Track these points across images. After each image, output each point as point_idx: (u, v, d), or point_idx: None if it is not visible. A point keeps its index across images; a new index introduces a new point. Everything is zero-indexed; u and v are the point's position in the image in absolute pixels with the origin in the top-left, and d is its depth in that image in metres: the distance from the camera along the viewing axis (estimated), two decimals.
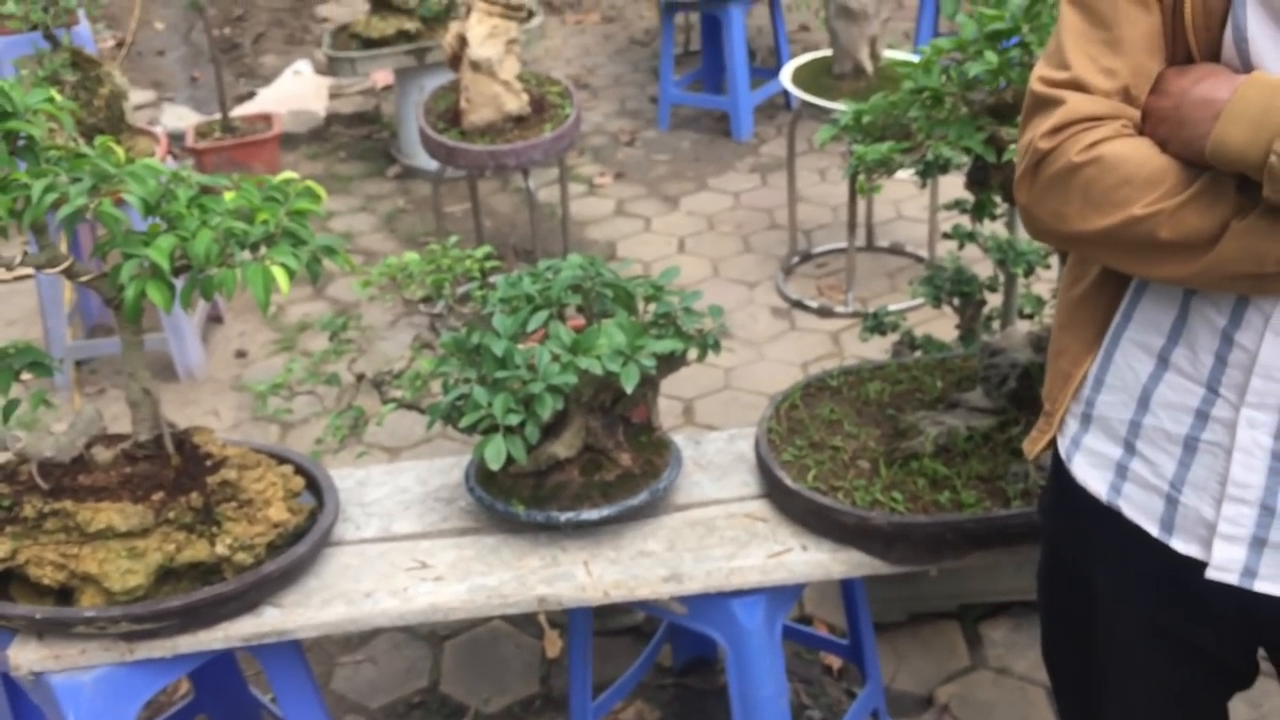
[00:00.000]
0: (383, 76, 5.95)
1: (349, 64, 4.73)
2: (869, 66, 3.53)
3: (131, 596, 1.80)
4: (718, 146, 5.03)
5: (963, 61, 1.70)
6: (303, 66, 6.10)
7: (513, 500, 1.96)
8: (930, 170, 1.85)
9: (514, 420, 1.84)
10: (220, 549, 1.83)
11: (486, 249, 2.68)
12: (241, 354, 3.89)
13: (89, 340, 3.96)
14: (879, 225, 4.21)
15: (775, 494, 1.99)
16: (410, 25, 4.72)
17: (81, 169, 1.72)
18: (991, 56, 1.63)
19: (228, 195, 1.82)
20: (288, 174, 1.88)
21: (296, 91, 5.85)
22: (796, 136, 3.77)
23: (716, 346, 2.01)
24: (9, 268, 1.70)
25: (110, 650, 1.83)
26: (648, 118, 5.35)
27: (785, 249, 4.14)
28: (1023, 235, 2.52)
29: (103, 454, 1.89)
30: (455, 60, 3.61)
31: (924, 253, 4.00)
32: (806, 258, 4.12)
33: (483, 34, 3.44)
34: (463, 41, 3.53)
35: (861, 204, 3.97)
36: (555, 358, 1.87)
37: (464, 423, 1.89)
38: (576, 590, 1.89)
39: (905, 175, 1.92)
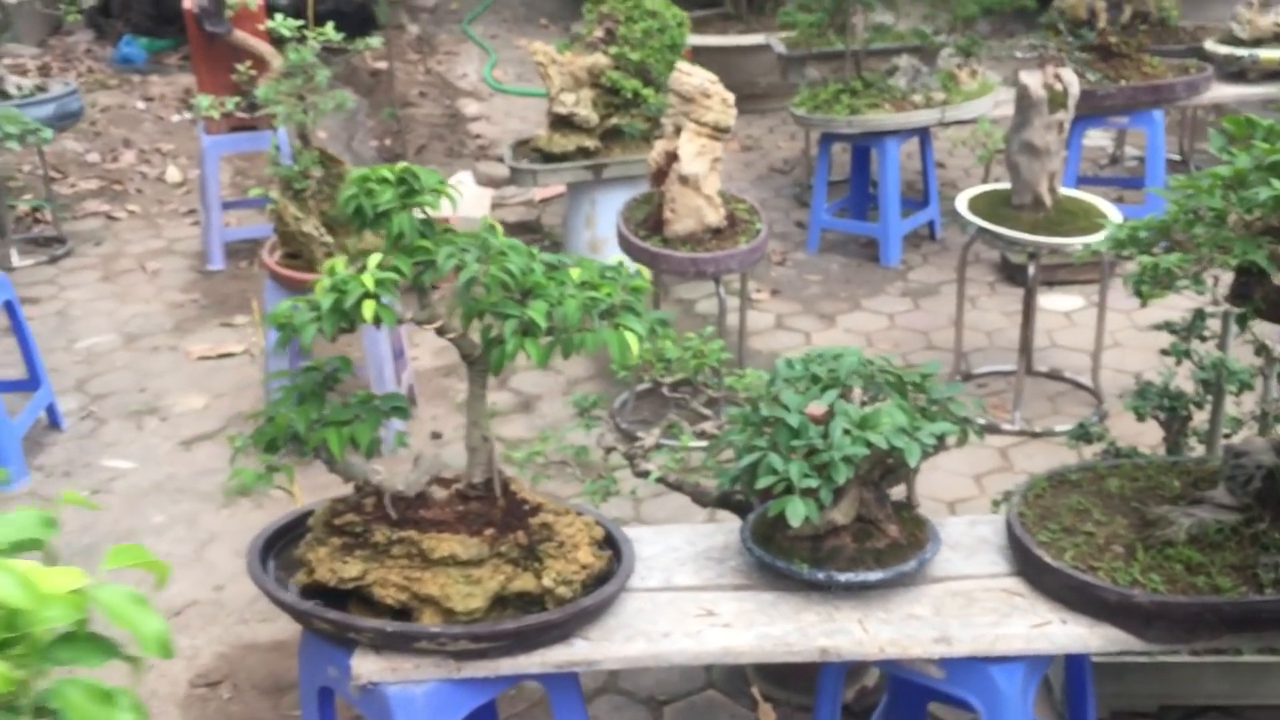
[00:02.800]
0: (541, 190, 6.33)
1: (530, 175, 5.10)
2: (1048, 199, 3.80)
3: (470, 618, 2.02)
4: (866, 270, 5.31)
5: (1239, 187, 1.95)
6: (464, 177, 6.50)
7: (794, 560, 2.17)
8: (1168, 284, 2.08)
9: (810, 484, 2.06)
10: (547, 581, 2.05)
11: (720, 342, 2.94)
12: (437, 435, 4.16)
13: None
14: (1036, 351, 4.42)
15: (1031, 571, 2.18)
16: (590, 143, 5.09)
17: (470, 243, 1.99)
18: (1276, 184, 1.87)
19: (573, 272, 2.09)
20: (617, 258, 2.15)
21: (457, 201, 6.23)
22: (943, 265, 4.00)
23: (980, 433, 2.23)
24: (406, 321, 1.98)
25: (440, 667, 2.05)
26: (795, 240, 5.65)
27: (946, 369, 4.36)
28: (1234, 354, 2.73)
29: (440, 492, 2.14)
30: (660, 175, 3.93)
31: (1084, 379, 4.20)
32: (967, 378, 4.33)
33: (693, 151, 3.76)
34: (670, 157, 3.85)
35: (1018, 329, 4.19)
36: (846, 431, 2.10)
37: (759, 484, 2.11)
38: (854, 644, 2.09)
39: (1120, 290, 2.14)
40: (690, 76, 3.77)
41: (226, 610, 3.34)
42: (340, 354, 2.51)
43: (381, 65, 8.88)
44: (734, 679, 2.93)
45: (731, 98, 3.80)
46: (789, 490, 2.07)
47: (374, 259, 1.94)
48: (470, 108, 8.14)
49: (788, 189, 6.35)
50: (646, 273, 2.11)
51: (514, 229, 5.97)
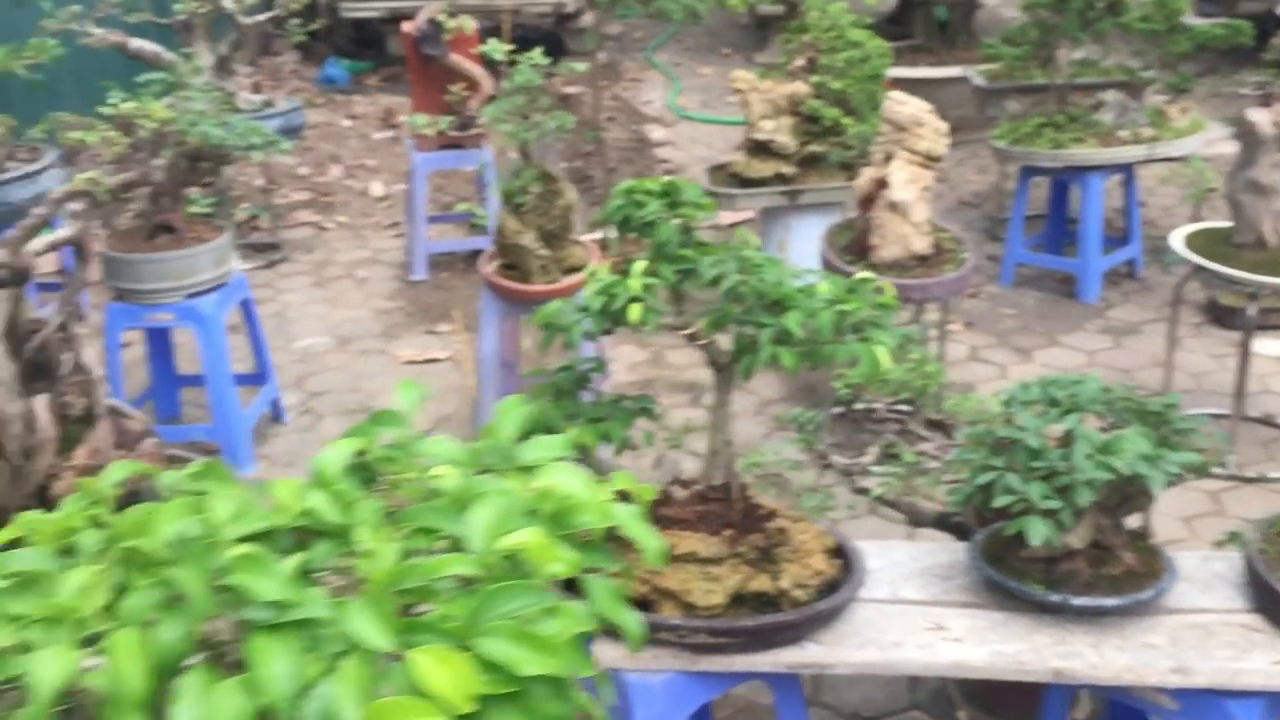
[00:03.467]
0: (729, 214, 6.42)
1: (729, 199, 5.19)
2: (1272, 239, 3.70)
3: (710, 614, 2.10)
4: (1063, 306, 5.23)
5: None
6: None
7: (1026, 581, 2.19)
8: None
9: (1051, 505, 2.08)
10: (784, 583, 2.12)
11: (939, 365, 2.97)
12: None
13: None
14: (1248, 396, 4.30)
15: (1272, 608, 2.15)
16: (787, 169, 5.16)
17: (728, 254, 2.08)
18: None
19: (821, 286, 2.16)
20: (864, 274, 2.21)
21: None
22: (1144, 303, 3.91)
23: (1225, 464, 2.21)
24: (666, 325, 2.08)
25: (677, 659, 2.13)
26: (988, 274, 5.60)
27: None
28: None
29: (680, 491, 2.23)
30: (867, 201, 3.97)
31: None
32: None
33: (903, 179, 3.79)
34: (879, 184, 3.89)
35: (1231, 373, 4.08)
36: (1088, 455, 2.11)
37: (996, 503, 2.14)
38: (1089, 668, 2.09)
39: None
40: (904, 105, 3.81)
41: None
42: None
43: (571, 90, 9.16)
44: (939, 701, 2.93)
45: (945, 127, 3.83)
46: (1026, 511, 2.09)
47: (638, 265, 2.05)
48: (656, 133, 8.32)
49: (978, 222, 6.30)
50: (891, 289, 2.16)
51: None
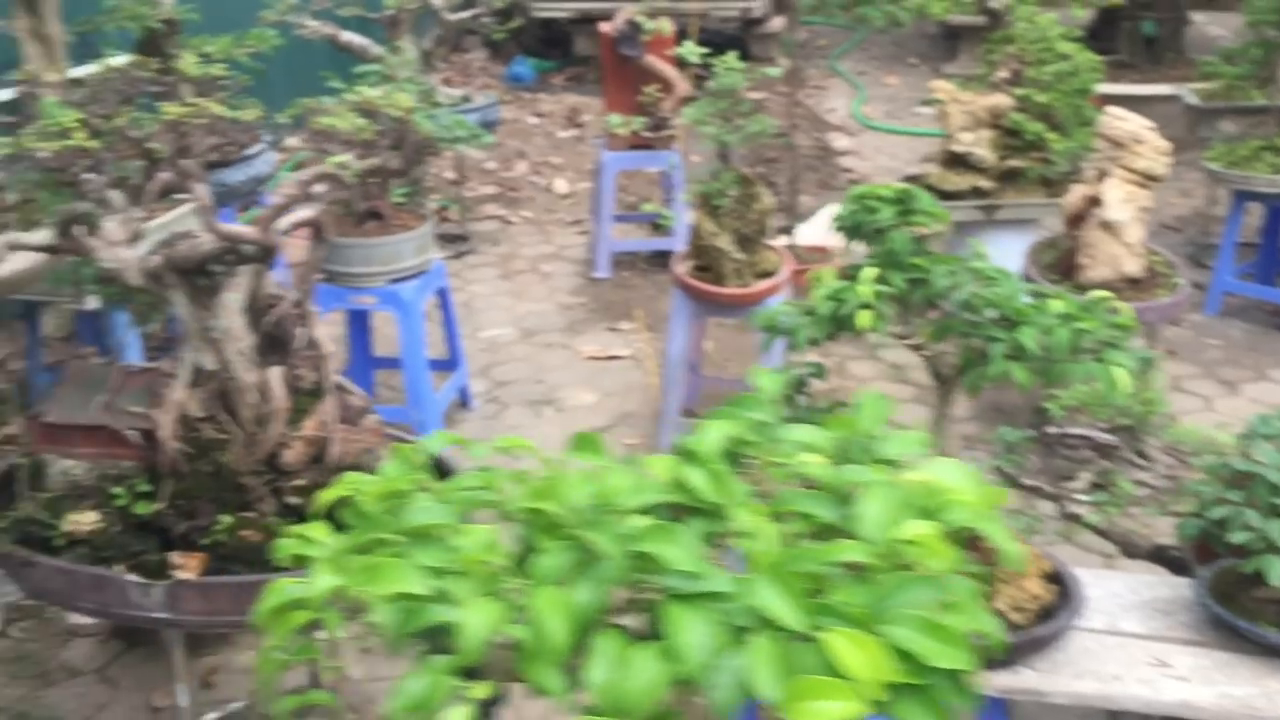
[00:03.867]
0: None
1: None
2: None
3: None
4: (1274, 339, 4.97)
5: None
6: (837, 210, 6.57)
7: (1259, 622, 2.08)
8: None
9: None
10: (1000, 605, 2.06)
11: (1158, 394, 2.84)
12: None
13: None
14: None
15: None
16: (984, 183, 5.03)
17: (959, 265, 2.04)
18: None
19: (1054, 303, 2.09)
20: (1100, 293, 2.14)
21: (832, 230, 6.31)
22: None
23: None
24: (892, 334, 2.05)
25: None
26: (1192, 302, 5.35)
27: None
28: None
29: None
30: (1076, 219, 3.84)
31: None
32: None
33: (1119, 198, 3.66)
34: (1090, 202, 3.76)
35: None
36: None
37: (1231, 539, 2.03)
38: None
39: None
40: (1123, 121, 3.68)
41: None
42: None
43: (755, 95, 9.16)
44: None
45: (1166, 146, 3.68)
46: (1266, 549, 1.99)
47: (868, 272, 2.02)
48: (839, 142, 8.23)
49: (1180, 247, 6.03)
50: (1129, 310, 2.08)
51: None
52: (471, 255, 6.27)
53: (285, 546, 0.98)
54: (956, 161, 5.10)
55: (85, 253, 2.38)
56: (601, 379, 4.88)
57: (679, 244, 5.98)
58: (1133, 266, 3.72)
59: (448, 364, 4.55)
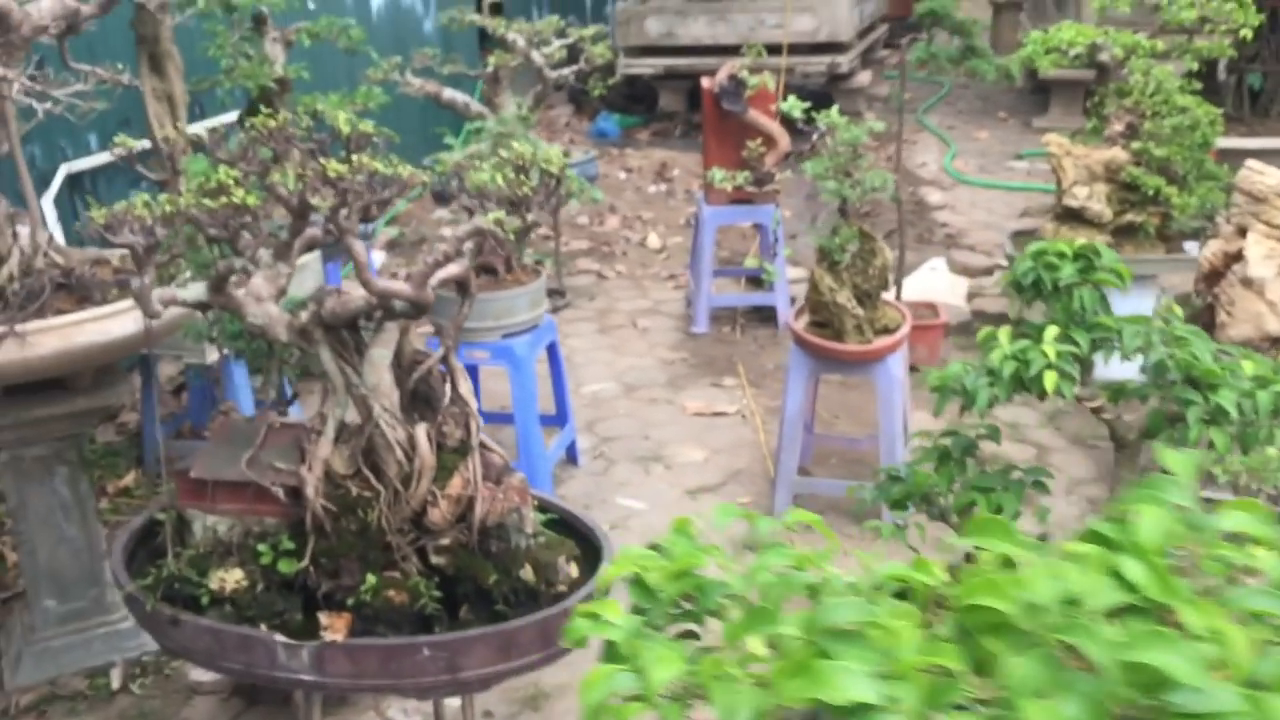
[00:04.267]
0: None
1: None
2: None
3: None
4: None
5: None
6: (937, 264, 6.49)
7: None
8: None
9: None
10: None
11: None
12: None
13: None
14: None
15: None
16: (1101, 238, 4.91)
17: (1145, 324, 1.96)
18: None
19: (1245, 364, 2.00)
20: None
21: (933, 286, 6.22)
22: None
23: None
24: (1073, 396, 1.97)
25: None
26: None
27: None
28: None
29: None
30: (1214, 275, 3.72)
31: None
32: None
33: (1260, 254, 3.54)
34: (1229, 258, 3.64)
35: None
36: None
37: None
38: None
39: None
40: (1263, 176, 3.57)
41: None
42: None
43: (803, 149, 9.13)
44: None
45: None
46: None
47: (1050, 331, 1.94)
48: (933, 196, 8.15)
49: None
50: None
51: (992, 319, 5.87)
52: (568, 310, 6.27)
53: (577, 628, 0.92)
54: (1070, 216, 5.00)
55: (236, 308, 2.37)
56: (708, 435, 4.81)
57: (779, 299, 5.93)
58: (1276, 325, 3.59)
59: (555, 419, 4.51)
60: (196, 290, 2.35)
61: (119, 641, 3.43)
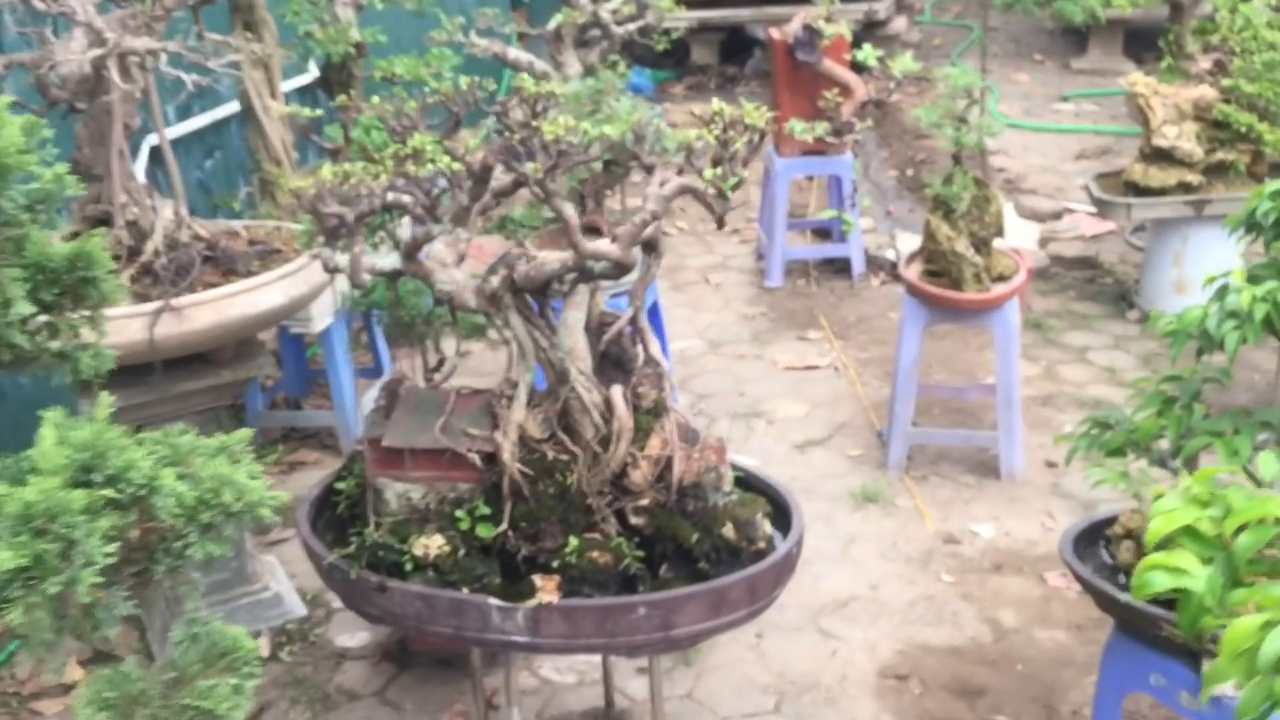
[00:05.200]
0: (1092, 224, 6.18)
1: (1124, 209, 4.97)
2: None
3: None
4: None
5: None
6: (1007, 210, 6.45)
7: None
8: None
9: None
10: None
11: None
12: (1051, 464, 4.12)
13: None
14: None
15: None
16: (1191, 178, 4.90)
17: None
18: None
19: None
20: None
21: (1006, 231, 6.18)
22: None
23: None
24: None
25: None
26: None
27: None
28: None
29: None
30: None
31: None
32: None
33: None
34: None
35: None
36: None
37: None
38: None
39: None
40: None
41: (888, 610, 3.45)
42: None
43: (882, 97, 9.05)
44: None
45: None
46: None
47: None
48: (985, 141, 8.07)
49: None
50: None
51: (1071, 263, 5.85)
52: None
53: (1150, 581, 0.91)
54: (1160, 156, 4.97)
55: (426, 275, 2.36)
56: (805, 389, 4.80)
57: (853, 250, 5.91)
58: None
59: None
60: (392, 259, 2.33)
61: (262, 611, 3.44)
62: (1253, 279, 1.97)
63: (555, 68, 5.70)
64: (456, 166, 2.19)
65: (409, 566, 2.37)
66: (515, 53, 5.83)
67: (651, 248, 2.42)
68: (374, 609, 2.41)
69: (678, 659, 3.23)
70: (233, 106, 5.09)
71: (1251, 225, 2.01)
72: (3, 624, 1.44)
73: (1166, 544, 0.99)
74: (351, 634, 3.41)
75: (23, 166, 1.80)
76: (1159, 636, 2.12)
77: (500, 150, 2.38)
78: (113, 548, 1.51)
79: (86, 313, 1.95)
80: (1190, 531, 1.00)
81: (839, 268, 5.96)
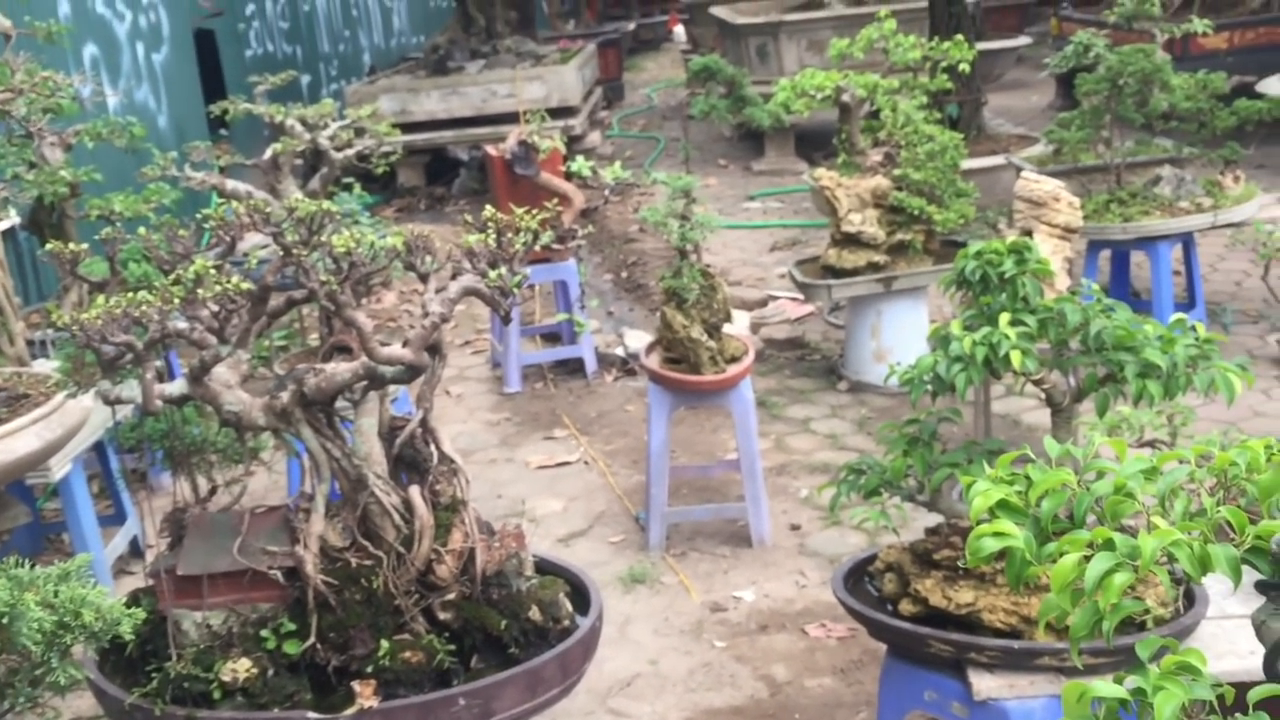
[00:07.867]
0: (795, 308, 6.72)
1: (825, 290, 5.48)
2: None
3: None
4: None
5: None
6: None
7: None
8: None
9: None
10: (1149, 602, 2.31)
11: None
12: (795, 527, 4.44)
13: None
14: None
15: None
16: (878, 258, 5.46)
17: (1070, 302, 2.32)
18: None
19: (1148, 327, 2.39)
20: (1179, 316, 2.46)
21: None
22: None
23: None
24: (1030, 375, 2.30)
25: (1054, 683, 2.30)
26: None
27: None
28: None
29: None
30: None
31: None
32: None
33: (1048, 250, 4.09)
34: None
35: None
36: None
37: None
38: None
39: None
40: (1039, 184, 4.14)
41: (671, 681, 3.61)
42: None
43: (598, 204, 9.53)
44: None
45: (1078, 201, 4.16)
46: None
47: (1004, 317, 2.27)
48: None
49: None
50: (1219, 334, 2.40)
51: (782, 345, 6.34)
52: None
53: (982, 546, 1.10)
54: (849, 241, 5.50)
55: (213, 398, 2.37)
56: (559, 485, 4.96)
57: (585, 350, 6.17)
58: None
59: None
60: (178, 384, 2.33)
61: None
62: (968, 327, 2.31)
63: (275, 196, 5.71)
64: (246, 286, 2.24)
65: (217, 695, 2.33)
66: (233, 183, 5.79)
67: (435, 350, 2.53)
68: None
69: None
70: None
71: (962, 282, 2.36)
72: None
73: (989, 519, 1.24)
74: None
75: None
76: (928, 654, 2.39)
77: (279, 268, 2.45)
78: None
79: None
80: (1003, 504, 1.23)
81: (573, 368, 6.20)
